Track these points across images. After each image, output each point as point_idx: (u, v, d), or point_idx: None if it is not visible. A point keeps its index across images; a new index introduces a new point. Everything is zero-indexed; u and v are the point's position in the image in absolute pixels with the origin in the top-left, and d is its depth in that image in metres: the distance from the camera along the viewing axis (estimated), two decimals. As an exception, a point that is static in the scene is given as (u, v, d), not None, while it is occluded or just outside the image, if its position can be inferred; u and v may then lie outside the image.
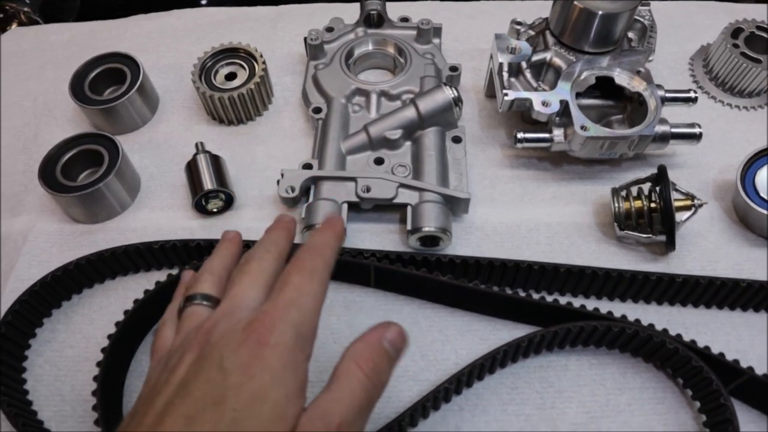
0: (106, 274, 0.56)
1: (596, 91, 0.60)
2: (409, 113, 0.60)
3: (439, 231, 0.54)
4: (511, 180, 0.62)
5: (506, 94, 0.58)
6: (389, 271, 0.53)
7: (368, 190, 0.56)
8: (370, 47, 0.70)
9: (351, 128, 0.62)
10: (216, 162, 0.59)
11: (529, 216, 0.60)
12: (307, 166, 0.58)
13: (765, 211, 0.55)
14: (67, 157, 0.59)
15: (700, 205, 0.53)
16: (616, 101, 0.61)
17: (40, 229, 0.59)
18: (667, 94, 0.59)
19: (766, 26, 0.68)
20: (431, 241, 0.56)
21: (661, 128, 0.58)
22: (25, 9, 0.95)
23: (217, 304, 0.36)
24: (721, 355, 0.48)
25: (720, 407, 0.46)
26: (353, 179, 0.57)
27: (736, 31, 0.67)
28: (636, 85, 0.58)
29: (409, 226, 0.55)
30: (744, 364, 0.47)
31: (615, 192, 0.56)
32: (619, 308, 0.53)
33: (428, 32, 0.69)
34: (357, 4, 0.71)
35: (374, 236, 0.58)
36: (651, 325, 0.50)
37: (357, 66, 0.70)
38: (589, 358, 0.51)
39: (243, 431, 0.28)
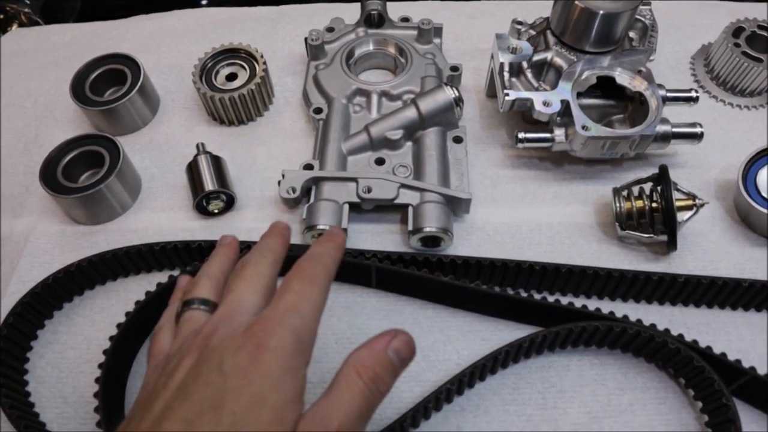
0: (107, 276, 0.56)
1: (597, 90, 0.60)
2: (410, 113, 0.60)
3: (441, 231, 0.54)
4: (512, 180, 0.62)
5: (507, 94, 0.58)
6: (390, 272, 0.53)
7: (369, 190, 0.56)
8: (371, 47, 0.70)
9: (352, 128, 0.62)
10: (217, 163, 0.59)
11: (531, 216, 0.60)
12: (308, 167, 0.58)
13: (766, 211, 0.55)
14: (68, 158, 0.59)
15: (702, 205, 0.53)
16: (617, 101, 0.61)
17: (41, 230, 0.59)
18: (669, 94, 0.59)
19: (767, 25, 0.67)
20: (432, 241, 0.56)
21: (662, 128, 0.58)
22: (26, 10, 0.95)
23: (214, 309, 0.36)
24: (723, 355, 0.48)
25: (722, 407, 0.46)
26: (354, 180, 0.57)
27: (737, 31, 0.67)
28: (637, 84, 0.58)
29: (410, 227, 0.55)
30: (746, 364, 0.47)
31: (616, 192, 0.56)
32: (620, 308, 0.53)
33: (429, 32, 0.69)
34: (357, 4, 0.71)
35: (375, 237, 0.58)
36: (653, 326, 0.50)
37: (358, 66, 0.70)
38: (591, 358, 0.51)
39: None
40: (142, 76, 0.65)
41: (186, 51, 0.74)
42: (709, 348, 0.48)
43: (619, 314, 0.51)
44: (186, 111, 0.69)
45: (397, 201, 0.56)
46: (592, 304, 0.54)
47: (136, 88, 0.64)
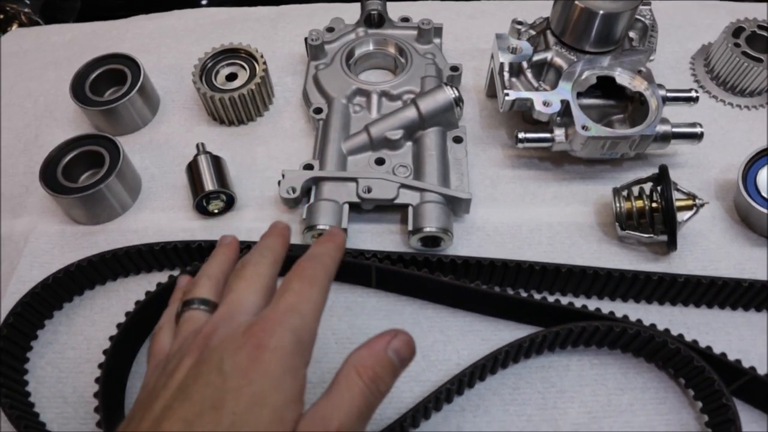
0: (107, 276, 0.56)
1: (597, 90, 0.60)
2: (410, 113, 0.60)
3: (441, 231, 0.54)
4: (512, 180, 0.62)
5: (507, 94, 0.58)
6: (391, 272, 0.53)
7: (369, 190, 0.56)
8: (371, 47, 0.70)
9: (352, 128, 0.62)
10: (217, 163, 0.59)
11: (531, 216, 0.60)
12: (308, 167, 0.58)
13: (766, 211, 0.55)
14: (68, 158, 0.59)
15: (702, 205, 0.53)
16: (617, 101, 0.61)
17: (41, 230, 0.59)
18: (669, 94, 0.59)
19: (767, 25, 0.67)
20: (432, 241, 0.56)
21: (662, 128, 0.58)
22: (26, 10, 0.95)
23: (214, 309, 0.36)
24: (723, 355, 0.48)
25: (722, 407, 0.46)
26: (354, 180, 0.57)
27: (737, 31, 0.67)
28: (637, 84, 0.58)
29: (410, 227, 0.55)
30: (746, 364, 0.47)
31: (616, 192, 0.56)
32: (620, 308, 0.53)
33: (429, 32, 0.69)
34: (357, 4, 0.71)
35: (375, 237, 0.58)
36: (653, 326, 0.50)
37: (358, 66, 0.70)
38: (591, 358, 0.51)
39: None
40: (142, 76, 0.65)
41: (186, 51, 0.74)
42: (709, 348, 0.48)
43: (619, 314, 0.51)
44: (186, 111, 0.69)
45: (397, 201, 0.56)
46: (592, 304, 0.54)
47: (136, 88, 0.64)
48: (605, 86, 0.59)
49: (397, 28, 0.70)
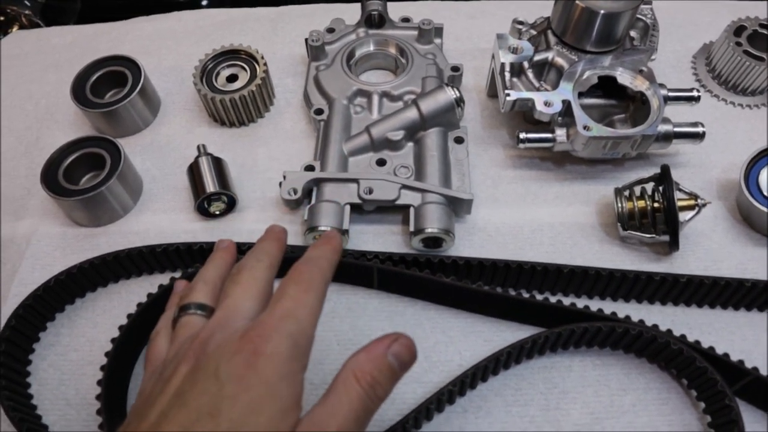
0: (109, 278, 0.56)
1: (598, 90, 0.60)
2: (411, 114, 0.60)
3: (442, 232, 0.54)
4: (514, 180, 0.62)
5: (508, 95, 0.58)
6: (392, 273, 0.53)
7: (370, 191, 0.56)
8: (372, 48, 0.70)
9: (353, 129, 0.62)
10: (218, 164, 0.59)
11: (532, 216, 0.59)
12: (309, 168, 0.58)
13: (769, 210, 0.54)
14: (69, 160, 0.59)
15: (704, 205, 0.53)
16: (618, 101, 0.61)
17: (42, 232, 0.60)
18: (670, 93, 0.59)
19: (768, 24, 0.67)
20: (434, 242, 0.55)
21: (663, 127, 0.57)
22: (26, 12, 0.95)
23: (211, 314, 0.36)
24: (726, 355, 0.48)
25: (725, 408, 0.45)
26: (355, 181, 0.57)
27: (738, 29, 0.67)
28: (638, 84, 0.58)
29: (411, 228, 0.55)
30: (749, 365, 0.47)
31: (618, 192, 0.56)
32: (622, 309, 0.53)
33: (429, 32, 0.69)
34: (358, 5, 0.71)
35: (377, 238, 0.58)
36: (655, 326, 0.50)
37: (358, 67, 0.70)
38: (593, 358, 0.51)
39: None
40: (143, 78, 0.65)
41: (186, 52, 0.74)
42: (711, 348, 0.48)
43: (621, 315, 0.51)
44: (187, 112, 0.69)
45: (399, 202, 0.56)
46: (594, 304, 0.54)
47: (137, 89, 0.64)
48: (606, 86, 0.59)
49: (397, 28, 0.70)
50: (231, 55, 0.68)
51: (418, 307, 0.54)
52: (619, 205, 0.56)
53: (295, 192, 0.56)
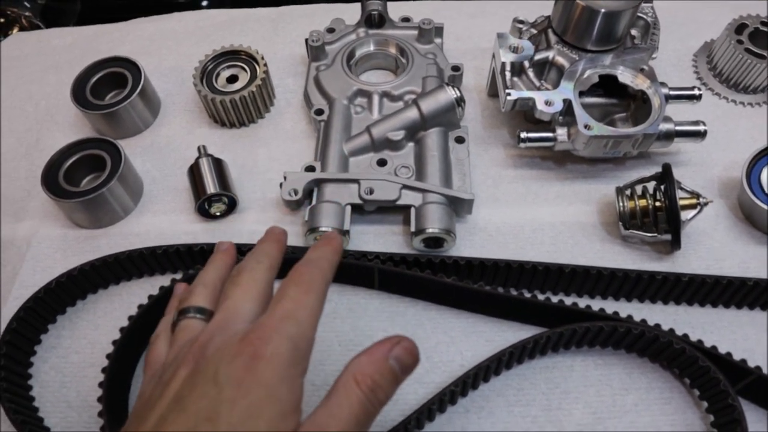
0: (110, 280, 0.56)
1: (599, 89, 0.60)
2: (412, 114, 0.60)
3: (443, 232, 0.54)
4: (515, 180, 0.62)
5: (509, 94, 0.57)
6: (393, 273, 0.53)
7: (371, 192, 0.56)
8: (372, 48, 0.70)
9: (353, 130, 0.62)
10: (218, 165, 0.59)
11: (533, 216, 0.59)
12: (310, 169, 0.58)
13: (771, 209, 0.54)
14: (69, 162, 0.59)
15: (706, 204, 0.53)
16: (619, 99, 0.61)
17: (43, 234, 0.60)
18: (671, 92, 0.59)
19: (770, 22, 0.67)
20: (435, 242, 0.55)
21: (665, 126, 0.57)
22: (27, 13, 0.95)
23: (211, 317, 0.36)
24: (728, 354, 0.48)
25: (728, 407, 0.45)
26: (356, 181, 0.57)
27: (740, 27, 0.67)
28: (639, 83, 0.58)
29: (412, 228, 0.55)
30: (751, 364, 0.47)
31: (619, 191, 0.56)
32: (624, 308, 0.53)
33: (430, 32, 0.69)
34: (358, 5, 0.70)
35: (378, 238, 0.58)
36: (657, 325, 0.50)
37: (359, 67, 0.70)
38: (595, 358, 0.51)
39: None
40: (143, 79, 0.65)
41: (186, 53, 0.74)
42: (714, 347, 0.48)
43: (623, 314, 0.51)
44: (187, 113, 0.69)
45: (400, 202, 0.56)
46: (596, 304, 0.53)
47: (137, 91, 0.64)
48: (607, 85, 0.59)
49: (397, 28, 0.70)
50: (231, 55, 0.68)
51: (419, 308, 0.54)
52: (621, 204, 0.55)
53: (296, 193, 0.56)
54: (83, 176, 0.61)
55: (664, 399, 0.49)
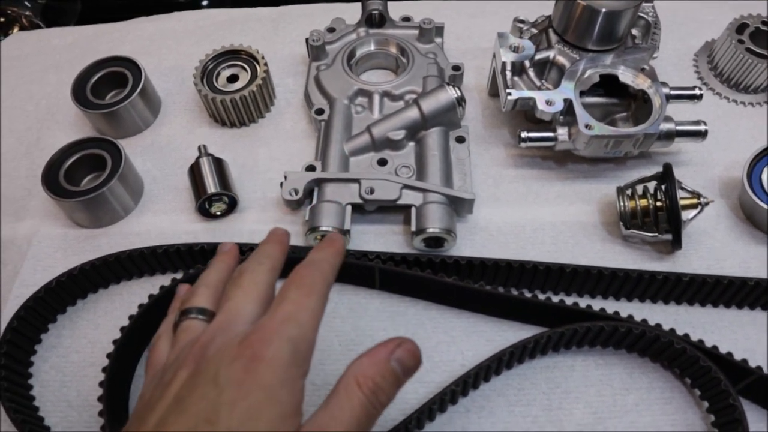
0: (110, 279, 0.56)
1: (600, 89, 0.60)
2: (412, 113, 0.60)
3: (444, 232, 0.54)
4: (515, 179, 0.62)
5: (509, 94, 0.57)
6: (394, 273, 0.53)
7: (372, 191, 0.56)
8: (372, 47, 0.70)
9: (354, 129, 0.62)
10: (219, 165, 0.59)
11: (534, 216, 0.59)
12: (310, 168, 0.58)
13: (772, 209, 0.54)
14: (70, 161, 0.59)
15: (706, 203, 0.53)
16: (620, 99, 0.61)
17: (44, 233, 0.59)
18: (672, 92, 0.59)
19: (771, 21, 0.67)
20: (436, 242, 0.55)
21: (666, 126, 0.57)
22: (27, 13, 0.95)
23: (212, 318, 0.36)
24: (729, 354, 0.48)
25: (729, 407, 0.45)
26: (357, 181, 0.56)
27: (741, 27, 0.67)
28: (640, 82, 0.58)
29: (413, 228, 0.55)
30: (752, 364, 0.47)
31: (620, 191, 0.56)
32: (625, 308, 0.53)
33: (430, 31, 0.69)
34: (358, 4, 0.70)
35: (378, 238, 0.58)
36: (658, 325, 0.50)
37: (359, 66, 0.70)
38: (596, 358, 0.51)
39: None
40: (143, 79, 0.65)
41: (187, 53, 0.74)
42: (715, 347, 0.48)
43: (623, 314, 0.51)
44: (187, 113, 0.69)
45: (400, 202, 0.56)
46: (597, 303, 0.53)
47: (138, 90, 0.64)
48: (608, 84, 0.59)
49: (398, 27, 0.70)
50: (231, 55, 0.68)
51: (419, 307, 0.54)
52: (622, 203, 0.55)
53: (296, 192, 0.56)
54: (84, 176, 0.61)
55: (665, 399, 0.49)
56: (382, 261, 0.53)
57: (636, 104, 0.60)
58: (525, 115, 0.66)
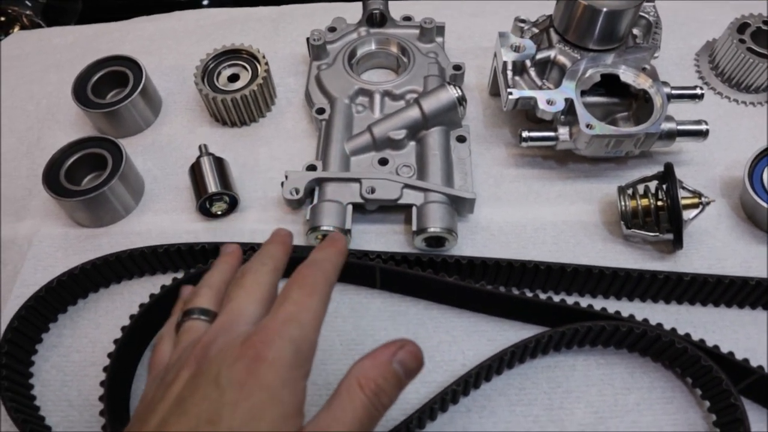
0: (111, 279, 0.56)
1: (601, 88, 0.60)
2: (413, 113, 0.60)
3: (445, 231, 0.54)
4: (516, 179, 0.62)
5: (510, 93, 0.57)
6: (395, 273, 0.53)
7: (373, 191, 0.56)
8: (373, 47, 0.70)
9: (355, 129, 0.62)
10: (219, 164, 0.59)
11: (535, 215, 0.59)
12: (311, 168, 0.58)
13: (773, 208, 0.54)
14: (70, 161, 0.59)
15: (708, 203, 0.53)
16: (621, 99, 0.61)
17: (44, 233, 0.59)
18: (673, 91, 0.59)
19: (772, 21, 0.67)
20: (437, 241, 0.55)
21: (667, 125, 0.57)
22: (27, 12, 0.95)
23: (215, 319, 0.36)
24: (731, 354, 0.48)
25: (730, 407, 0.45)
26: (358, 180, 0.56)
27: (742, 26, 0.67)
28: (641, 82, 0.58)
29: (414, 227, 0.55)
30: (754, 363, 0.47)
31: (621, 190, 0.56)
32: (626, 308, 0.53)
33: (431, 31, 0.69)
34: (359, 4, 0.70)
35: (379, 237, 0.58)
36: (659, 325, 0.50)
37: (360, 66, 0.70)
38: (597, 358, 0.51)
39: None
40: (144, 78, 0.65)
41: (187, 52, 0.74)
42: (716, 347, 0.48)
43: (625, 313, 0.51)
44: (188, 112, 0.69)
45: (401, 201, 0.56)
46: (598, 303, 0.53)
47: (138, 89, 0.64)
48: (609, 84, 0.59)
49: (399, 27, 0.70)
50: (232, 54, 0.68)
51: (421, 307, 0.54)
52: (623, 203, 0.55)
53: (297, 192, 0.56)
54: (84, 175, 0.61)
55: (666, 398, 0.49)
56: (383, 261, 0.53)
57: (637, 104, 0.60)
58: (526, 114, 0.66)
